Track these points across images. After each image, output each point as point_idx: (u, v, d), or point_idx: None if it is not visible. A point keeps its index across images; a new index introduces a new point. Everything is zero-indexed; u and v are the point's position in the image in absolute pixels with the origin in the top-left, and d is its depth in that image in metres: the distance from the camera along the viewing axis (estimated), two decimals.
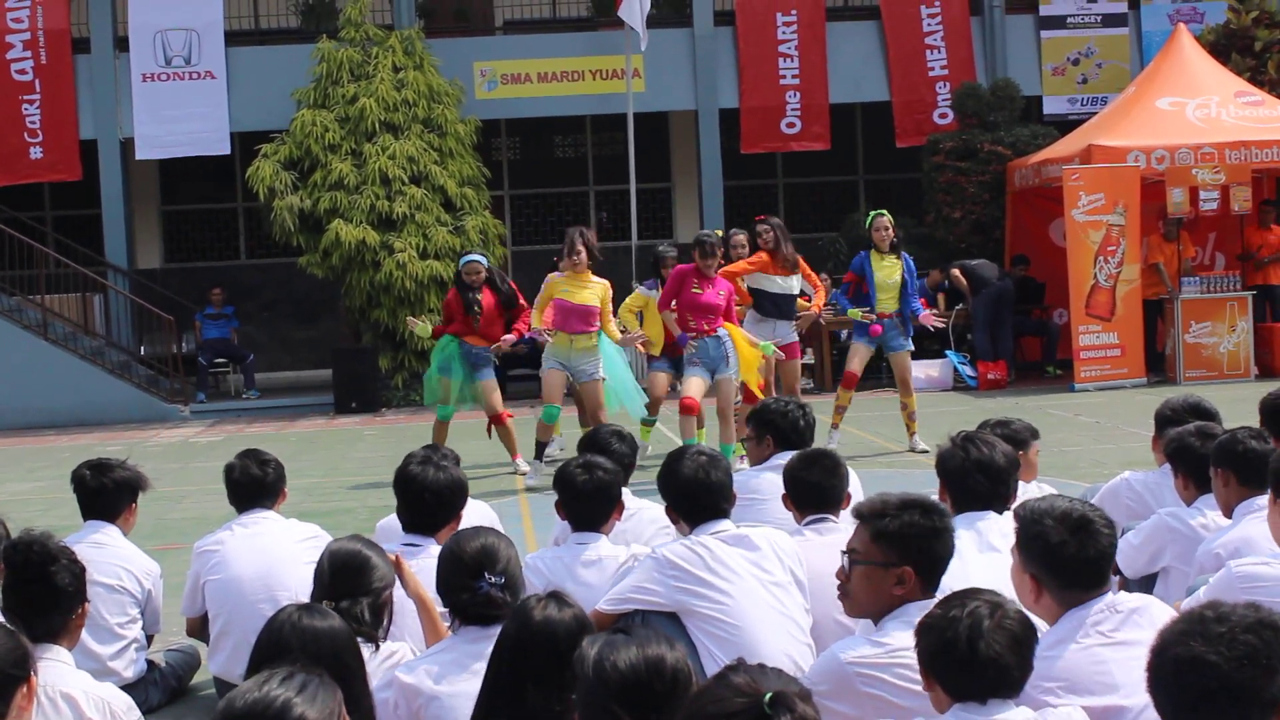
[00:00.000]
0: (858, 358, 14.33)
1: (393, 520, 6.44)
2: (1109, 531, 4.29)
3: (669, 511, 5.87)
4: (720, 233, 14.46)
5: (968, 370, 20.50)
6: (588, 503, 5.99)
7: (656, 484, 5.90)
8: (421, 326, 14.05)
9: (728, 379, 12.77)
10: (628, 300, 14.18)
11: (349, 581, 4.93)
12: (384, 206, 21.47)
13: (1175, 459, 6.32)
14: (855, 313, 14.13)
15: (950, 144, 22.94)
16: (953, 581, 4.58)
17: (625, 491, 6.39)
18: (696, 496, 5.69)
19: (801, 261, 13.96)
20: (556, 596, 3.92)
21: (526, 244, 26.36)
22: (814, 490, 5.96)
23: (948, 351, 20.81)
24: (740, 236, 14.40)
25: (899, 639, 4.24)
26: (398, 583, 5.22)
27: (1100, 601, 4.25)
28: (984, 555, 5.21)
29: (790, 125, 24.03)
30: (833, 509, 5.93)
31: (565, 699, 3.68)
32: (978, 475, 5.49)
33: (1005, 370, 20.44)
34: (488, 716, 3.88)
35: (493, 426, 13.95)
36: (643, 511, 6.85)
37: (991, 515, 5.43)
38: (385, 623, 4.97)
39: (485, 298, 13.65)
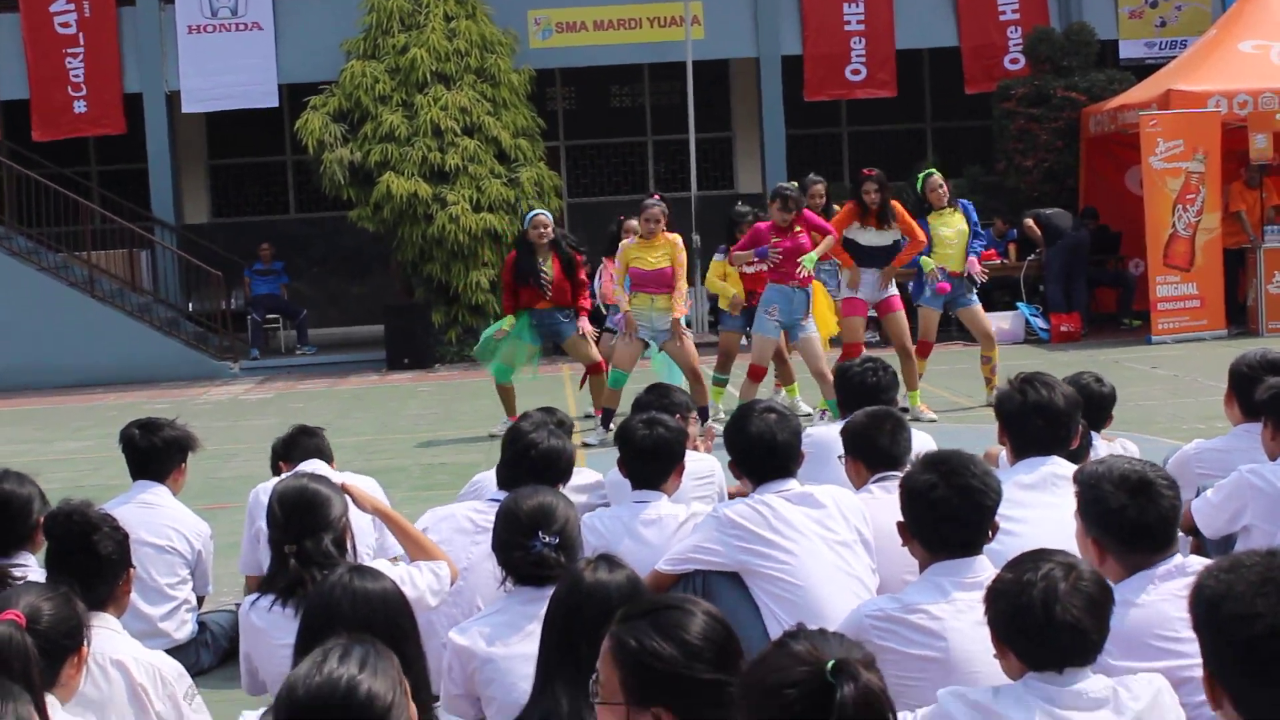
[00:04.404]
0: (929, 323, 13.79)
1: (488, 476, 6.47)
2: (1171, 493, 4.23)
3: (733, 467, 5.75)
4: (795, 183, 13.80)
5: (1040, 323, 19.97)
6: (649, 460, 5.89)
7: (723, 439, 5.82)
8: (507, 320, 13.37)
9: (809, 338, 12.39)
10: (710, 273, 13.89)
11: (304, 519, 5.00)
12: (436, 158, 21.04)
13: (1268, 408, 6.06)
14: (929, 262, 13.48)
15: (1022, 90, 22.33)
16: (1013, 528, 4.87)
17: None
18: (762, 455, 5.54)
19: (904, 214, 13.33)
20: (608, 559, 3.90)
21: (583, 196, 25.94)
22: (880, 447, 5.87)
23: (1019, 304, 20.30)
24: (819, 186, 14.05)
25: (915, 596, 4.38)
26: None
27: (1169, 563, 4.19)
28: (1044, 501, 5.22)
29: (855, 72, 23.46)
30: (899, 466, 5.74)
31: None
32: (1036, 419, 5.46)
33: (1079, 322, 19.92)
34: (546, 678, 3.85)
35: (588, 378, 13.57)
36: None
37: (1054, 460, 5.41)
38: (350, 550, 5.11)
39: (553, 265, 13.15)
